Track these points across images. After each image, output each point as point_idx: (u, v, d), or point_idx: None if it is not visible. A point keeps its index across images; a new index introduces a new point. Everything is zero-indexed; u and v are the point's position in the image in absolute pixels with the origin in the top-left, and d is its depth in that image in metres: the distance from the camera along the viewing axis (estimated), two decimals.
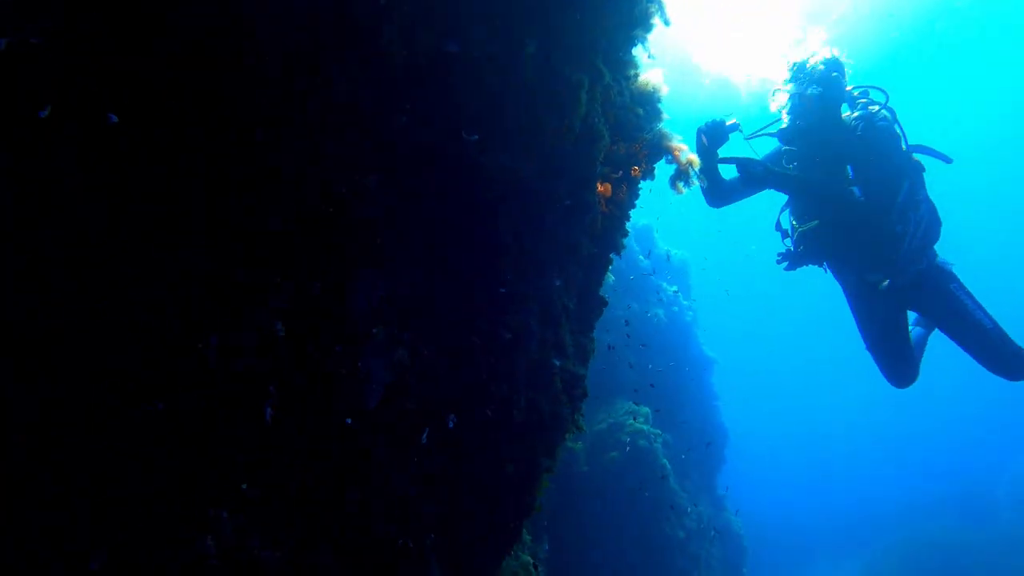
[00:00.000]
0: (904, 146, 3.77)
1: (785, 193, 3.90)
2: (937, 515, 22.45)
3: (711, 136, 3.84)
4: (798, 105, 3.82)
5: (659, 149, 3.66)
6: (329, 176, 2.22)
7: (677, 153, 3.62)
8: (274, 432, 2.18)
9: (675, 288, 12.20)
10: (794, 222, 3.90)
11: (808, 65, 3.86)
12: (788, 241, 4.10)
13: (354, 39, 2.05)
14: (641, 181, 3.82)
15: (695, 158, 3.63)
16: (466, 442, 2.97)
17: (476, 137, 2.58)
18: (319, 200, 2.21)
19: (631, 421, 8.86)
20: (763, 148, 4.27)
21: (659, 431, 9.31)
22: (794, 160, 3.82)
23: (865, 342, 4.11)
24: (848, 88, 3.91)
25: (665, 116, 4.04)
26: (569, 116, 2.77)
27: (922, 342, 4.24)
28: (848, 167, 3.62)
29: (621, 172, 3.58)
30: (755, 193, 4.08)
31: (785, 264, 3.91)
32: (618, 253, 3.82)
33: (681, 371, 11.99)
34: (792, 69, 3.89)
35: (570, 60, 2.75)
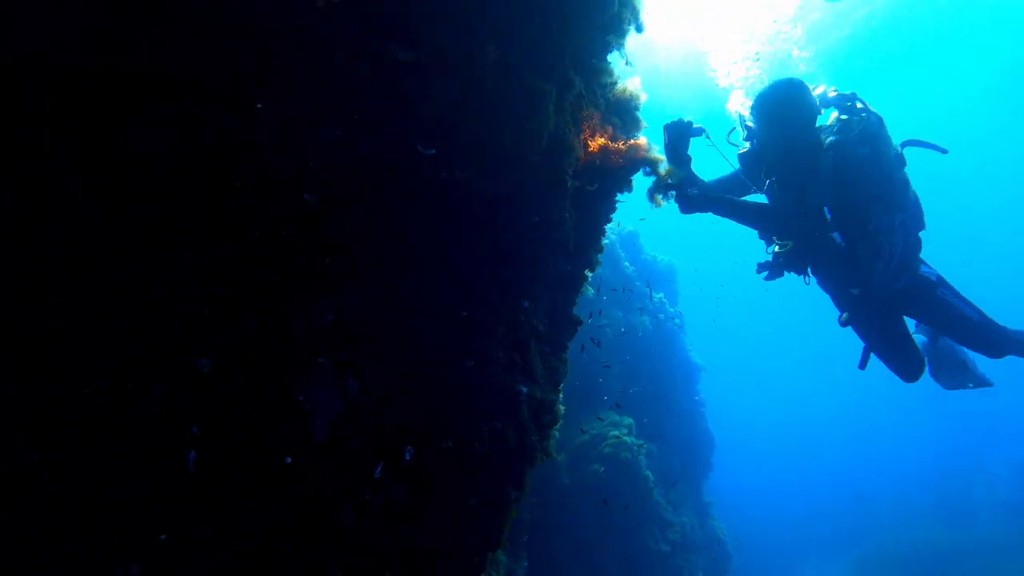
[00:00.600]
0: (894, 149, 3.57)
1: (740, 222, 3.72)
2: (922, 517, 22.56)
3: (673, 135, 3.65)
4: (759, 147, 3.67)
5: (637, 160, 3.48)
6: (261, 192, 2.02)
7: (655, 164, 3.45)
8: (200, 478, 1.98)
9: (661, 295, 12.06)
10: (775, 238, 3.74)
11: (762, 105, 3.60)
12: (772, 248, 3.93)
13: (277, 45, 1.85)
14: (619, 194, 3.64)
15: (675, 169, 3.46)
16: (426, 475, 2.77)
17: (433, 151, 2.39)
18: (249, 219, 2.01)
19: (614, 432, 8.69)
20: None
21: (643, 442, 9.15)
22: (772, 175, 3.64)
23: (864, 342, 3.99)
24: (830, 92, 3.70)
25: (644, 125, 3.86)
26: (535, 128, 2.58)
27: (950, 347, 4.14)
28: (825, 209, 3.50)
29: (596, 184, 3.40)
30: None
31: (764, 275, 3.76)
32: (592, 269, 3.64)
33: (666, 379, 11.85)
34: (752, 107, 3.66)
35: (535, 68, 2.56)
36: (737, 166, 3.92)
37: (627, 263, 11.46)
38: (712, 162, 3.97)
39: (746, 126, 3.68)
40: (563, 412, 7.91)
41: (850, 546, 23.10)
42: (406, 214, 2.48)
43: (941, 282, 3.71)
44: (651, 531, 9.08)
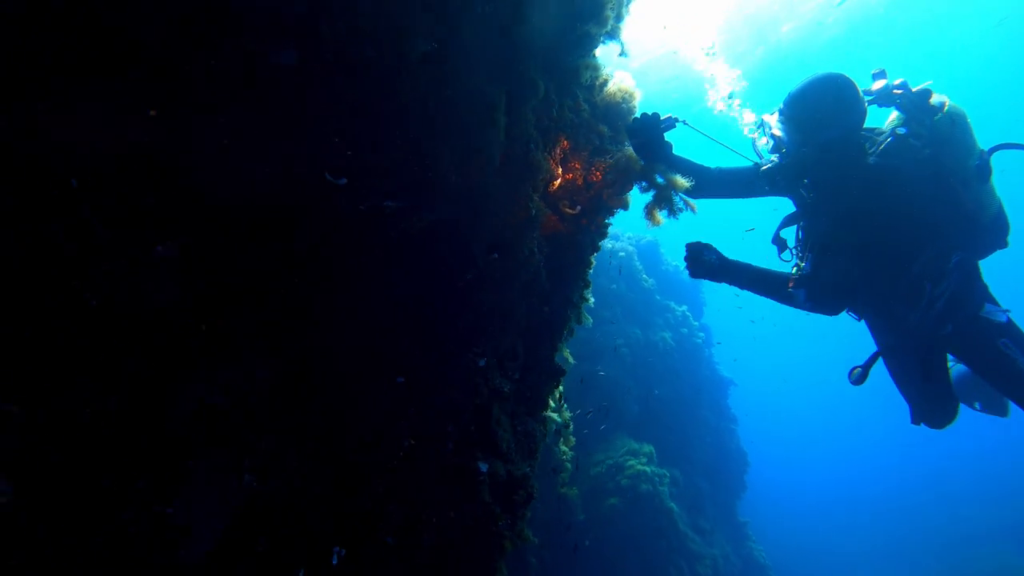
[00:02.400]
0: (976, 158, 2.70)
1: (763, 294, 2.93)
2: (989, 538, 21.04)
3: (639, 136, 2.87)
4: (792, 163, 2.89)
5: (630, 174, 2.89)
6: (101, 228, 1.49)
7: (652, 176, 2.84)
8: None
9: (684, 308, 11.31)
10: (799, 256, 3.01)
11: (797, 108, 2.79)
12: (789, 257, 3.17)
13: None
14: (610, 216, 3.04)
15: (679, 180, 2.84)
16: None
17: (344, 181, 1.84)
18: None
19: (632, 462, 8.02)
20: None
21: (665, 471, 8.44)
22: (812, 191, 2.90)
23: (892, 377, 3.23)
24: (895, 86, 2.79)
25: None
26: (482, 144, 2.02)
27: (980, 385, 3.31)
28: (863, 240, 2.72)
29: (579, 207, 2.82)
30: (729, 196, 3.24)
31: (803, 297, 2.98)
32: (578, 320, 3.05)
33: (691, 397, 11.10)
34: (783, 112, 2.87)
35: (483, 67, 2.00)
36: (742, 152, 3.20)
37: (646, 276, 10.76)
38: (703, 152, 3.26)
39: (772, 135, 2.97)
40: (574, 443, 7.29)
41: (905, 566, 21.75)
42: (316, 259, 1.94)
43: (1008, 328, 2.86)
44: (680, 567, 8.36)
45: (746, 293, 3.07)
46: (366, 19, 1.73)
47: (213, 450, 1.86)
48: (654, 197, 2.88)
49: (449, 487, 2.25)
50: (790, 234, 3.16)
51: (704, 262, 2.86)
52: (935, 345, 2.91)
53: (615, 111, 3.07)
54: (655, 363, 9.95)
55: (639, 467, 7.97)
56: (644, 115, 2.87)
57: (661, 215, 2.87)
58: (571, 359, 4.74)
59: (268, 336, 1.93)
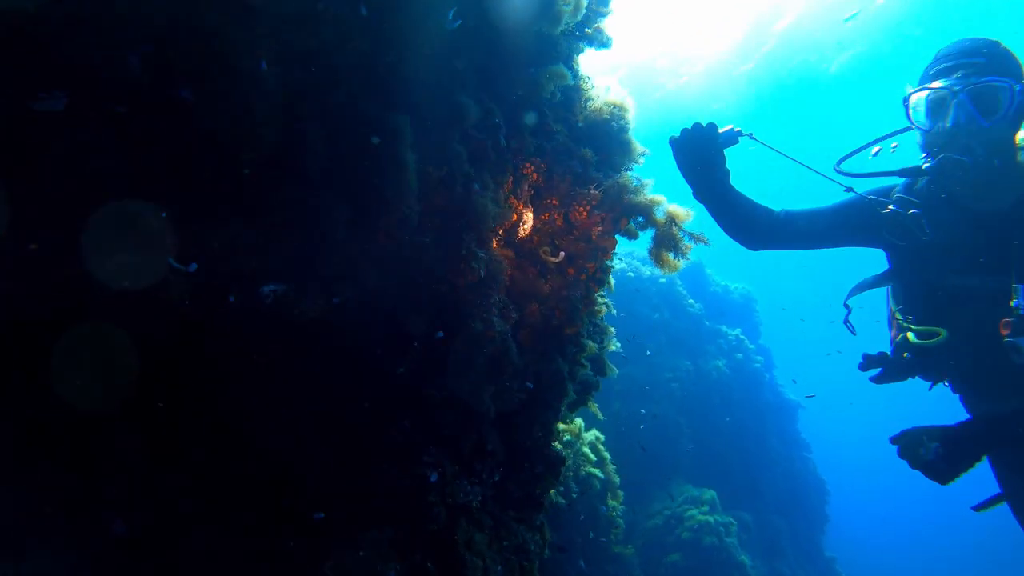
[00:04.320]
0: None
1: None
2: None
3: (689, 152, 2.02)
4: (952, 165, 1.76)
5: (622, 208, 2.30)
6: None
7: (650, 210, 2.24)
8: None
9: (738, 331, 10.37)
10: (899, 315, 2.08)
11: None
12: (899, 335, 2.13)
13: None
14: (606, 259, 2.45)
15: (680, 212, 2.23)
16: None
17: (195, 266, 1.34)
18: None
19: (692, 511, 7.15)
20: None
21: (731, 519, 7.51)
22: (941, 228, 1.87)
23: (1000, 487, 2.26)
24: None
25: (641, 150, 2.69)
26: (391, 191, 1.49)
27: None
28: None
29: (563, 254, 2.24)
30: (808, 247, 2.20)
31: (876, 374, 2.09)
32: (601, 372, 2.45)
33: (755, 427, 10.09)
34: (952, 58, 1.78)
35: (376, 90, 1.48)
36: (845, 185, 2.06)
37: (692, 301, 9.92)
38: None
39: (919, 125, 1.86)
40: (623, 496, 6.54)
41: None
42: (183, 383, 1.43)
43: None
44: None
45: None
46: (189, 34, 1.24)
47: None
48: (655, 239, 2.27)
49: None
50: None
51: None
52: None
53: (602, 130, 2.51)
54: (710, 395, 9.06)
55: (701, 517, 7.10)
56: (697, 126, 1.99)
57: (670, 257, 2.26)
58: (600, 414, 4.09)
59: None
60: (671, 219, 2.22)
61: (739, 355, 10.04)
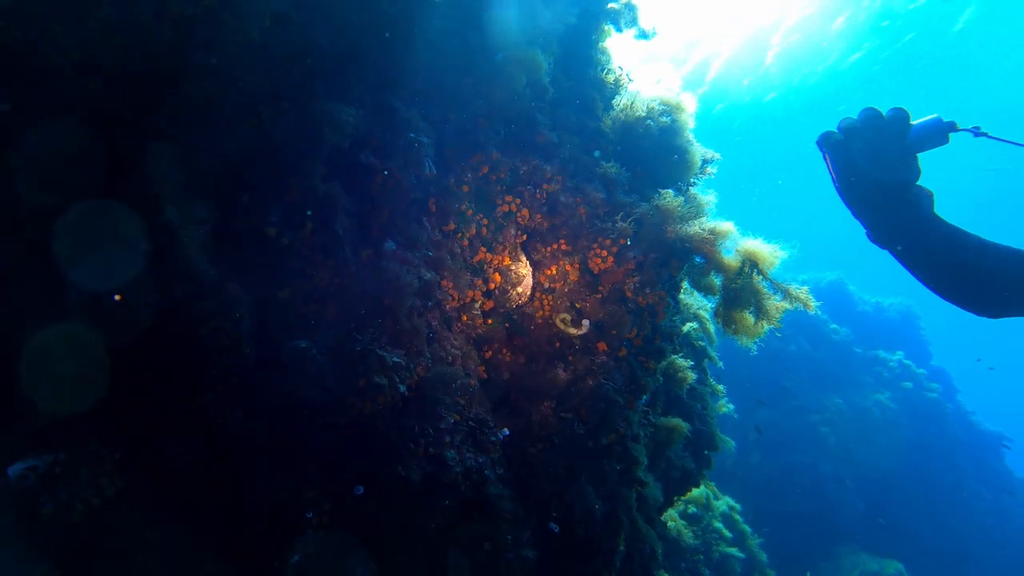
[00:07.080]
0: None
1: None
2: None
3: (878, 159, 1.05)
4: None
5: (666, 245, 1.54)
6: None
7: (711, 248, 1.46)
8: None
9: (899, 355, 8.54)
10: None
11: None
12: None
13: None
14: (657, 319, 1.68)
15: (764, 252, 1.42)
16: None
17: None
18: None
19: None
20: None
21: None
22: None
23: None
24: None
25: (705, 158, 1.93)
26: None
27: None
28: None
29: (586, 322, 1.51)
30: None
31: None
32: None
33: (942, 471, 8.17)
34: None
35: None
36: None
37: (835, 326, 8.36)
38: None
39: None
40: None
41: None
42: None
43: None
44: None
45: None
46: None
47: None
48: (723, 293, 1.48)
49: None
50: None
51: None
52: None
53: (640, 135, 1.78)
54: (874, 437, 7.44)
55: None
56: (897, 113, 1.09)
57: (749, 319, 1.45)
58: (719, 494, 3.18)
59: None
60: (749, 262, 1.42)
61: (907, 383, 8.25)
